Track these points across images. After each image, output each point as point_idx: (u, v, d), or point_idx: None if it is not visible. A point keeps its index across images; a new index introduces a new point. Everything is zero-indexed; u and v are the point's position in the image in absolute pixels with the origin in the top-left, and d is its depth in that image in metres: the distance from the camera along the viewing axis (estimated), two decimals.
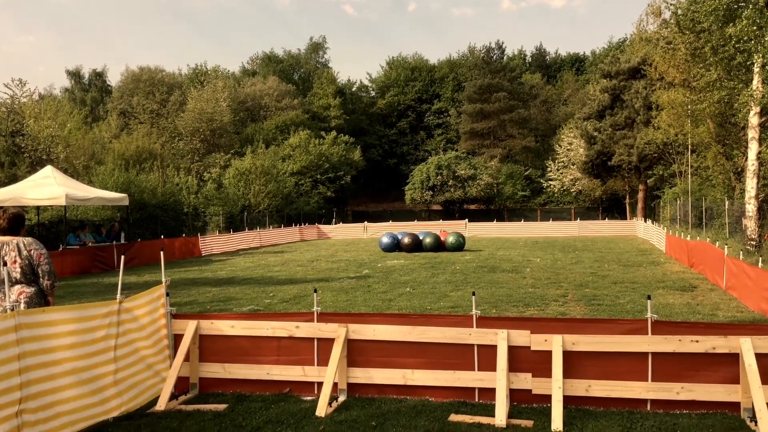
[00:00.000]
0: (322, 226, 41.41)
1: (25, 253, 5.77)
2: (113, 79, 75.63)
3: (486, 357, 5.91)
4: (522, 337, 5.85)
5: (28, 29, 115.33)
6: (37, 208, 25.32)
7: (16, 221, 5.93)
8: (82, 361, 5.28)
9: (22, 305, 5.70)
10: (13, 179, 28.83)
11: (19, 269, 5.73)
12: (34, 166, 30.88)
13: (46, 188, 20.16)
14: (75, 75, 71.51)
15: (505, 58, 70.82)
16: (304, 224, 41.14)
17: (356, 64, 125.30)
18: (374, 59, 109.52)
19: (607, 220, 40.55)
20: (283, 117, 60.55)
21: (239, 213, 39.48)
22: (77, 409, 5.18)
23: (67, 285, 16.80)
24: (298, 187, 50.63)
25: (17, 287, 5.75)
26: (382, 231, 31.39)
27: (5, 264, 5.71)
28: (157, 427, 5.41)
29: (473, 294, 6.23)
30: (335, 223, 44.27)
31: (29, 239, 5.89)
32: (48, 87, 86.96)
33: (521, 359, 5.85)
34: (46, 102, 43.18)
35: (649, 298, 5.77)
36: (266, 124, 60.11)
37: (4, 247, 5.76)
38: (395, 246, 24.74)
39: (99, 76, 72.52)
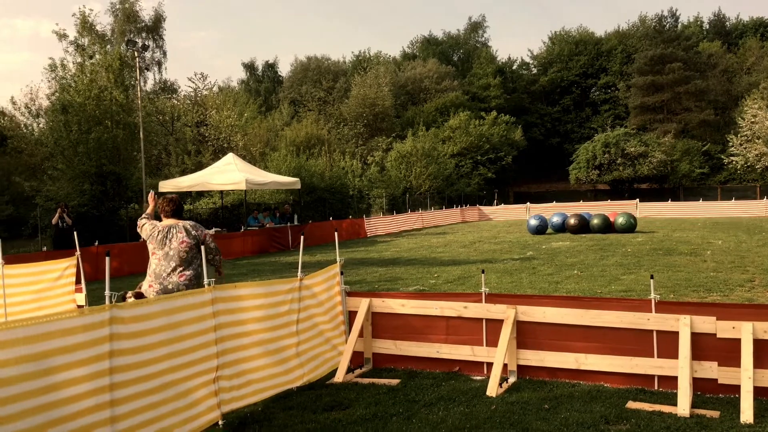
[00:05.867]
0: (483, 208, 41.18)
1: (193, 233, 6.15)
2: (284, 69, 79.90)
3: (666, 343, 5.62)
4: (707, 324, 5.49)
5: (203, 25, 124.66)
6: (221, 192, 27.47)
7: (180, 206, 6.40)
8: (268, 334, 5.70)
9: (181, 286, 6.05)
10: (199, 166, 31.51)
11: (187, 249, 6.10)
12: (217, 154, 33.50)
13: (229, 174, 21.81)
14: (250, 67, 76.38)
15: (679, 26, 65.84)
16: (465, 206, 41.12)
17: (517, 42, 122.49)
18: (536, 35, 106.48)
19: None
20: (443, 99, 60.71)
21: (401, 195, 40.32)
22: (265, 377, 5.62)
23: (248, 263, 18.12)
24: (459, 169, 50.66)
25: (179, 269, 6.08)
26: (546, 212, 30.62)
27: (171, 246, 6.09)
28: (337, 397, 5.72)
29: (651, 277, 5.94)
30: (496, 205, 43.84)
31: (192, 222, 6.32)
32: (226, 79, 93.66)
33: (705, 347, 5.50)
34: (225, 94, 46.57)
35: None
36: (426, 107, 60.63)
37: (171, 229, 6.14)
38: (543, 229, 24.09)
39: (271, 67, 76.91)
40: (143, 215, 6.49)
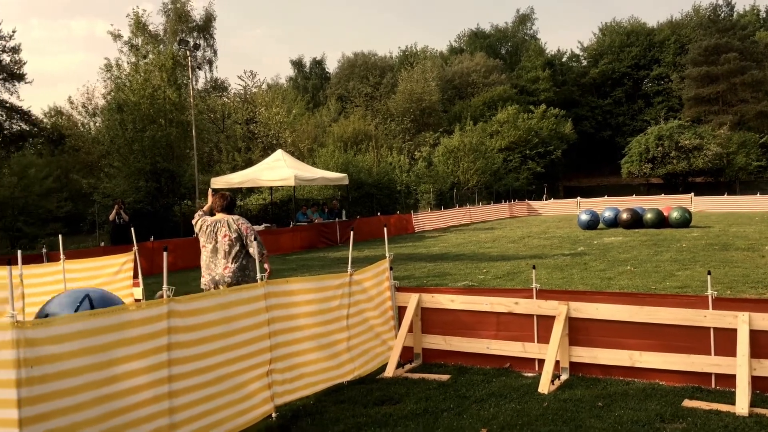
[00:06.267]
0: (532, 203, 40.71)
1: (234, 227, 6.69)
2: (331, 66, 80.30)
3: (723, 341, 5.48)
4: (766, 321, 5.33)
5: (251, 24, 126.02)
6: (270, 188, 27.83)
7: (231, 202, 7.00)
8: (320, 328, 5.78)
9: (227, 278, 6.61)
10: (249, 163, 31.98)
11: (230, 242, 6.63)
12: (266, 150, 33.92)
13: (278, 170, 22.09)
14: (297, 64, 76.98)
15: (734, 15, 63.72)
16: (514, 200, 40.72)
17: (566, 33, 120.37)
18: (586, 27, 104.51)
19: None
20: (491, 93, 60.16)
21: (449, 190, 40.15)
22: (317, 371, 5.69)
23: (298, 258, 18.34)
24: (507, 163, 50.16)
25: (223, 262, 6.64)
26: (598, 207, 30.08)
27: (217, 240, 6.66)
28: (388, 392, 5.75)
29: (708, 273, 5.79)
30: (546, 199, 43.25)
31: (236, 216, 6.86)
32: (274, 77, 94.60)
33: (764, 344, 5.35)
34: (274, 91, 47.11)
35: None
36: (474, 101, 60.18)
37: (217, 224, 6.71)
38: (595, 224, 23.65)
39: (318, 64, 77.34)
40: (198, 211, 7.03)
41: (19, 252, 7.45)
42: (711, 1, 67.29)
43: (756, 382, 5.34)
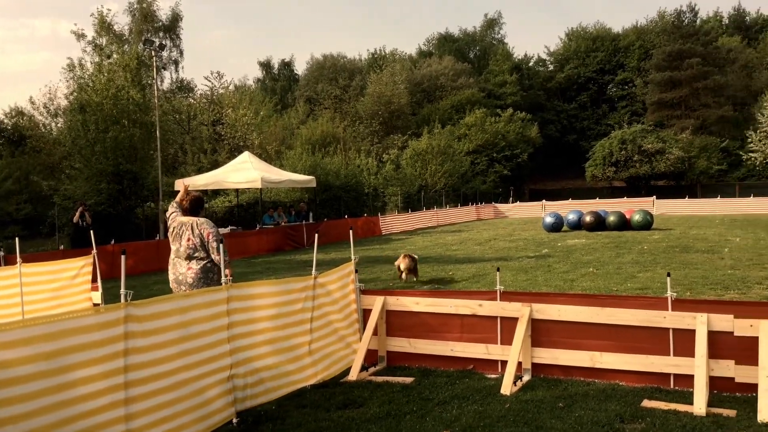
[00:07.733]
0: (498, 205, 41.05)
1: (197, 231, 6.50)
2: (299, 68, 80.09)
3: (682, 342, 5.57)
4: (724, 322, 5.42)
5: (219, 24, 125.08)
6: (236, 190, 27.57)
7: (196, 204, 6.76)
8: (282, 331, 5.71)
9: (189, 279, 6.47)
10: (215, 164, 31.67)
11: (192, 246, 6.49)
12: (233, 152, 33.61)
13: (244, 172, 21.89)
14: (266, 66, 76.59)
15: (698, 21, 65.17)
16: (481, 203, 40.99)
17: (533, 38, 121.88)
18: (552, 32, 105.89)
19: None
20: (459, 96, 60.57)
21: (416, 193, 40.27)
22: (278, 375, 5.62)
23: (263, 261, 18.18)
24: (474, 166, 50.52)
25: (186, 263, 6.51)
26: (562, 210, 30.43)
27: (182, 242, 6.52)
28: (351, 395, 5.71)
29: (668, 275, 5.88)
30: (512, 202, 43.65)
31: (202, 220, 6.64)
32: (242, 78, 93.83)
33: (722, 345, 5.44)
34: (241, 92, 46.74)
35: None
36: (442, 104, 60.53)
37: (183, 227, 6.55)
38: (559, 226, 23.97)
39: (287, 65, 77.08)
40: (174, 202, 6.88)
41: None
42: (675, 7, 68.77)
43: (714, 382, 5.43)
